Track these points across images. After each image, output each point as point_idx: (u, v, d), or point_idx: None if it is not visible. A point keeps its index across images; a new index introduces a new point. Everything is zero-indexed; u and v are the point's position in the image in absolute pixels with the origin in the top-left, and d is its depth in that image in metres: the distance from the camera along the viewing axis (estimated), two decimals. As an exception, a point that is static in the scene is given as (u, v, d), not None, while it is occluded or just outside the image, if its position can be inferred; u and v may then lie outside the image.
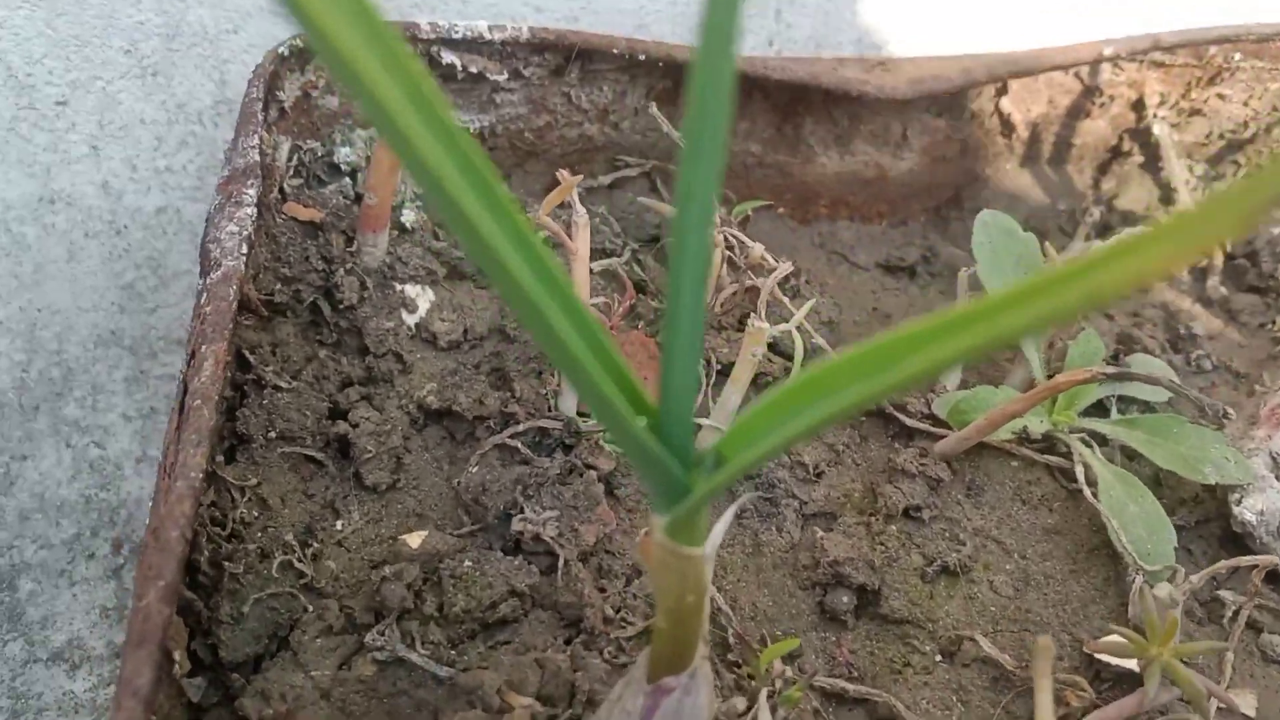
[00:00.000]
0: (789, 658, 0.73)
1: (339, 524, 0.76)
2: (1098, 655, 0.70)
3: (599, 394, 0.40)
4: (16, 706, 0.90)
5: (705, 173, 0.40)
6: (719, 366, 0.87)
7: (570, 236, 0.81)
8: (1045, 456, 0.84)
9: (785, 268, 0.79)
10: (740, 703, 0.62)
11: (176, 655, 0.58)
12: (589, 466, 0.78)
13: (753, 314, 0.77)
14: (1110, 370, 0.71)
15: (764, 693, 0.63)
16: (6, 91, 0.99)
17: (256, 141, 0.77)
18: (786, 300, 0.87)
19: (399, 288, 0.86)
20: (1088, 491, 0.80)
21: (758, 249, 0.85)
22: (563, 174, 0.79)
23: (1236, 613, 0.77)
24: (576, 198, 0.81)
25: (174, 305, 1.09)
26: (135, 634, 0.53)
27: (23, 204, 1.03)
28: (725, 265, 0.91)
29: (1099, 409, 0.90)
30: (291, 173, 0.86)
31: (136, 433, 1.04)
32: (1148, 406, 0.91)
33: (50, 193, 1.03)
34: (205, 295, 0.70)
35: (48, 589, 0.98)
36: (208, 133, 1.07)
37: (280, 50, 0.84)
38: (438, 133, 0.35)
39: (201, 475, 0.60)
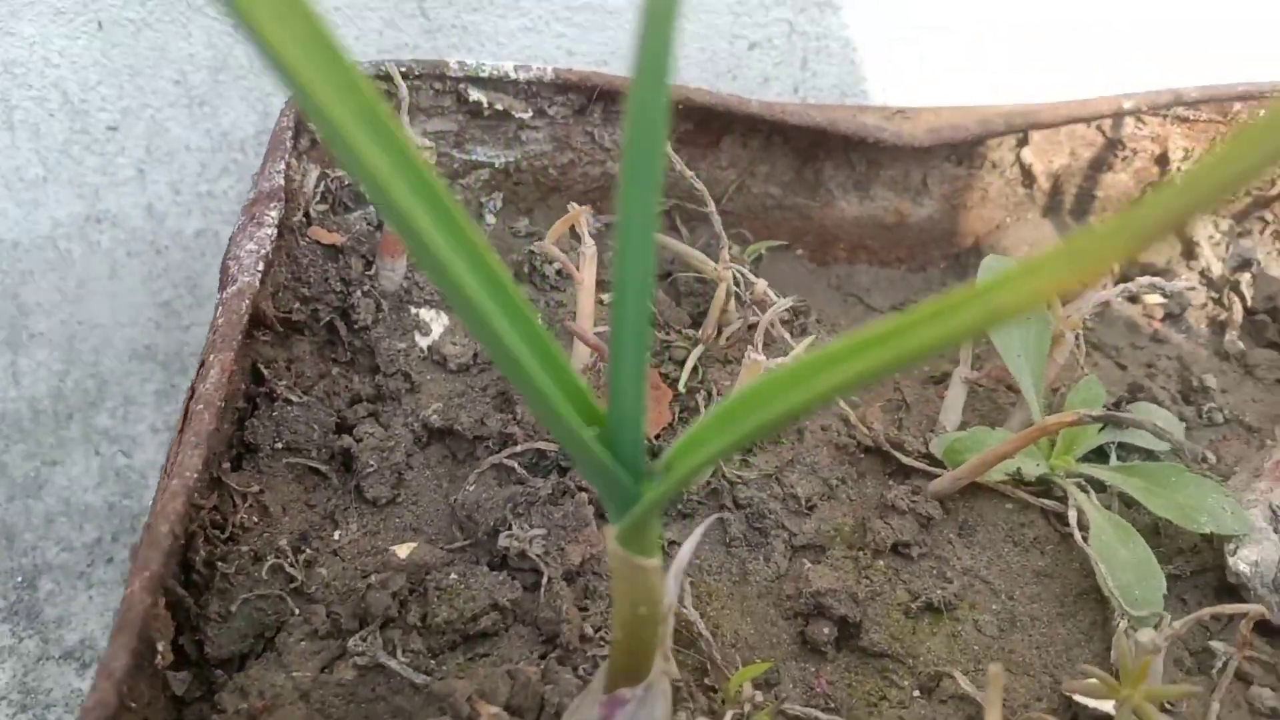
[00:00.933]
0: (766, 685, 0.74)
1: (336, 534, 0.78)
2: (1075, 697, 0.70)
3: (544, 401, 0.42)
4: (26, 701, 0.94)
5: (644, 183, 0.42)
6: (720, 398, 0.88)
7: (578, 267, 0.84)
8: (1040, 500, 0.84)
9: (786, 302, 0.81)
10: (704, 722, 0.63)
11: (160, 646, 0.61)
12: (581, 489, 0.80)
13: (750, 347, 0.79)
14: (1095, 413, 0.71)
15: (729, 715, 0.64)
16: (62, 116, 1.05)
17: (283, 167, 0.81)
18: (789, 337, 0.89)
19: (414, 311, 0.90)
20: (1078, 535, 0.80)
21: (761, 284, 0.87)
22: (572, 206, 0.82)
23: (1226, 664, 0.76)
24: (586, 229, 0.84)
25: (208, 324, 1.14)
26: (118, 620, 0.56)
27: (71, 222, 1.09)
28: (732, 300, 0.93)
29: (1100, 455, 0.90)
30: (318, 199, 0.90)
31: (163, 444, 1.08)
32: (1150, 455, 0.90)
33: (97, 212, 1.09)
34: (220, 309, 0.74)
35: (66, 590, 1.02)
36: (249, 161, 1.12)
37: (310, 82, 0.89)
38: (384, 144, 0.38)
39: (196, 475, 0.63)
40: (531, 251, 0.95)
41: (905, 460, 0.86)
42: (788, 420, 0.39)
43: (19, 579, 1.04)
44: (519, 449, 0.82)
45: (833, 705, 0.72)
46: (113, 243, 1.10)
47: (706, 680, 0.72)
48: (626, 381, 0.45)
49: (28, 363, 1.08)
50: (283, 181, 0.79)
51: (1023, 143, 1.13)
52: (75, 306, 1.09)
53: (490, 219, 1.00)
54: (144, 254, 1.10)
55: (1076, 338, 0.87)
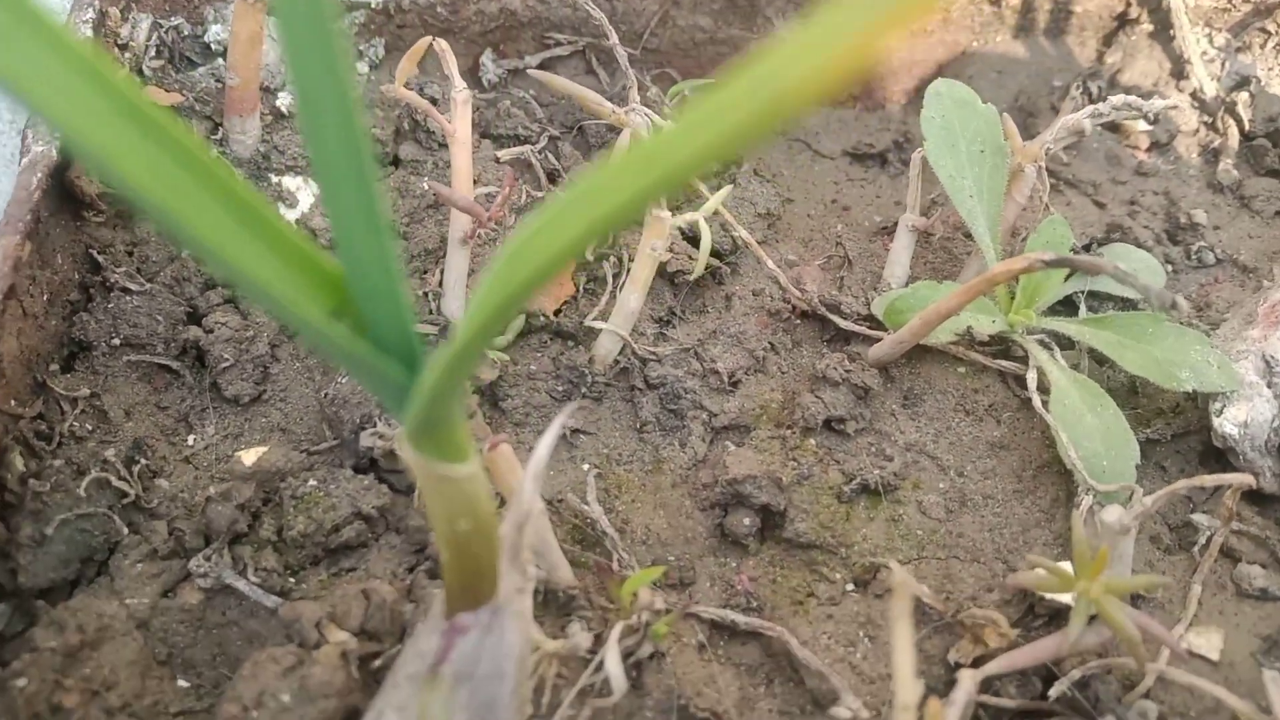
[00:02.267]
0: (681, 585, 0.65)
1: (190, 439, 0.69)
2: (1023, 589, 0.61)
3: (249, 276, 0.31)
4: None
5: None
6: (630, 269, 0.77)
7: (450, 118, 0.72)
8: (998, 362, 0.74)
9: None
10: (586, 639, 0.54)
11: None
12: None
13: (654, 205, 0.67)
14: (1049, 257, 0.60)
15: (618, 627, 0.55)
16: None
17: (91, 15, 0.69)
18: (703, 187, 0.77)
19: (275, 179, 0.78)
20: (1038, 400, 0.69)
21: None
22: (433, 40, 0.69)
23: (1209, 539, 0.67)
24: (455, 70, 0.71)
25: None
26: None
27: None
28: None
29: (1069, 308, 0.79)
30: (152, 53, 0.77)
31: None
32: (1129, 305, 0.80)
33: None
34: (14, 186, 0.62)
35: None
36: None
37: (127, -89, 0.75)
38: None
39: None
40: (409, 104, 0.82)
41: (843, 324, 0.75)
42: (563, 256, 0.28)
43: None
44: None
45: (754, 604, 0.64)
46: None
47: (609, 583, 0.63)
48: (356, 236, 0.33)
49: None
50: (90, 33, 0.67)
51: (989, -48, 0.98)
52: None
53: (364, 69, 0.87)
54: None
55: (1039, 171, 0.75)
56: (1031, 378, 0.71)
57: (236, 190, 0.31)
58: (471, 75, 0.94)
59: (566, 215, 0.28)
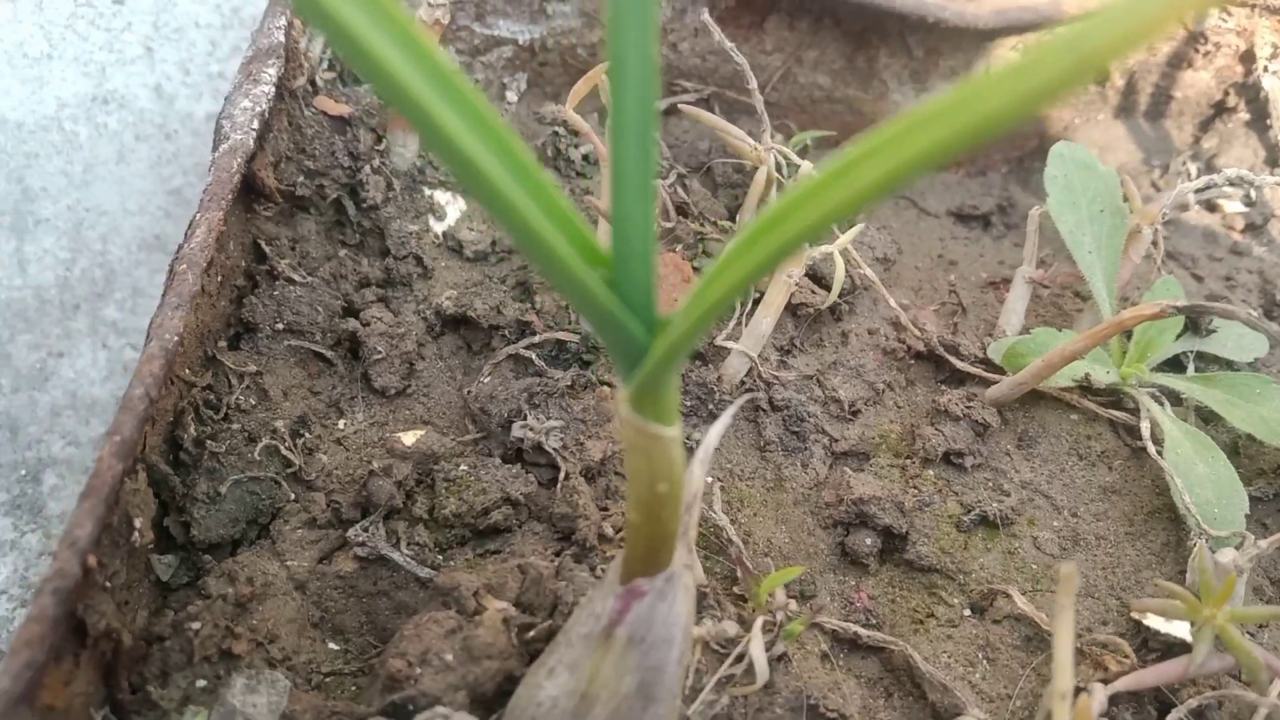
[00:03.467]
0: (801, 596, 0.67)
1: (341, 423, 0.73)
2: (1145, 621, 0.63)
3: (538, 239, 0.35)
4: (26, 596, 0.90)
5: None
6: (757, 295, 0.81)
7: (604, 143, 0.77)
8: (1109, 411, 0.77)
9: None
10: (732, 627, 0.57)
11: (138, 523, 0.55)
12: (604, 383, 0.73)
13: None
14: (1181, 304, 0.63)
15: (759, 621, 0.58)
16: (64, -15, 0.99)
17: (283, 23, 0.75)
18: (835, 228, 0.81)
19: (428, 193, 0.83)
20: (1152, 448, 0.72)
21: (806, 166, 0.79)
22: (604, 80, 0.74)
23: (1315, 593, 0.69)
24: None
25: (220, 215, 1.08)
26: (86, 487, 0.50)
27: (77, 103, 1.03)
28: (774, 189, 0.85)
29: (1175, 366, 0.82)
30: (325, 65, 0.83)
31: (171, 337, 1.03)
32: (1229, 366, 0.82)
33: (104, 93, 1.03)
34: (211, 168, 0.67)
35: (70, 485, 0.97)
36: (262, 41, 1.05)
37: (320, -63, 0.82)
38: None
39: (177, 338, 0.57)
40: (556, 133, 0.87)
41: (960, 365, 0.79)
42: (809, 234, 0.32)
43: (22, 472, 1.00)
44: (537, 339, 0.75)
45: (874, 621, 0.66)
46: (120, 125, 1.04)
47: (736, 589, 0.66)
48: (632, 214, 0.38)
49: (34, 249, 1.03)
50: (282, 38, 0.73)
51: (1098, 35, 1.03)
52: (82, 192, 1.04)
53: (512, 99, 0.93)
54: (153, 138, 1.04)
55: (1155, 233, 0.79)
56: (1145, 427, 0.73)
57: (529, 164, 0.36)
58: (603, 115, 0.99)
59: (816, 193, 0.32)
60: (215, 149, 0.68)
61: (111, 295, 1.04)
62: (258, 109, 0.69)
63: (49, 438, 1.00)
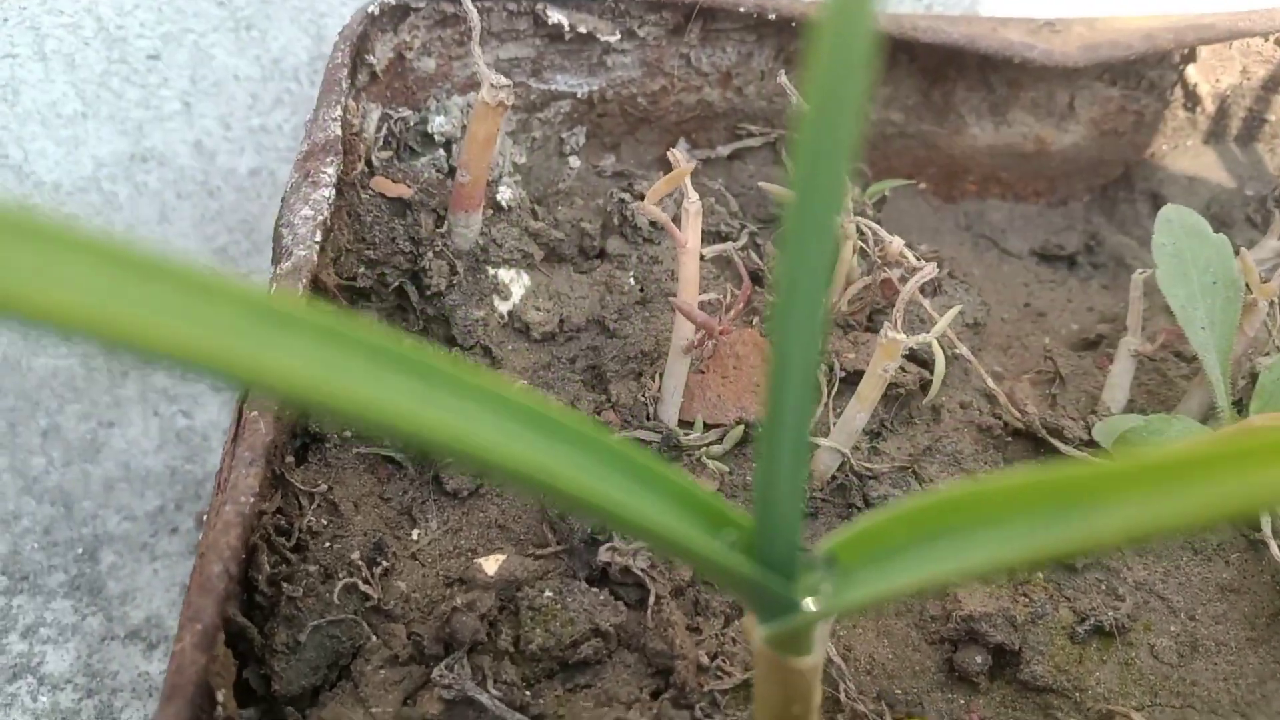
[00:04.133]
0: (908, 718, 0.64)
1: (415, 533, 0.69)
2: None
3: (649, 530, 0.31)
4: (92, 685, 0.88)
5: (828, 186, 0.30)
6: (843, 374, 0.77)
7: (680, 226, 0.72)
8: (1224, 498, 0.72)
9: (929, 270, 0.68)
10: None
11: (220, 696, 0.52)
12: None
13: (886, 323, 0.67)
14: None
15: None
16: (98, 44, 0.94)
17: (339, 114, 0.70)
18: (925, 301, 0.77)
19: (492, 272, 0.79)
20: (1273, 544, 0.68)
21: (897, 244, 0.74)
22: (674, 155, 0.69)
23: None
24: (689, 184, 0.71)
25: (267, 271, 1.05)
26: (167, 685, 0.47)
27: (114, 162, 0.99)
28: (856, 256, 0.80)
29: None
30: (381, 144, 0.79)
31: (225, 404, 1.00)
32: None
33: (142, 150, 0.99)
34: (274, 287, 0.63)
35: (129, 562, 0.95)
36: (304, 91, 1.00)
37: (370, 9, 0.77)
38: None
39: (252, 499, 0.54)
40: (622, 200, 0.83)
41: (1064, 449, 0.74)
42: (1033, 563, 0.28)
43: (79, 550, 0.97)
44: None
45: (986, 746, 0.62)
46: (161, 183, 1.00)
47: (839, 717, 0.62)
48: (784, 466, 0.34)
49: (78, 315, 1.00)
50: (339, 131, 0.68)
51: (1188, 59, 0.97)
52: (124, 254, 1.01)
53: (573, 159, 0.88)
54: (195, 195, 1.01)
55: (1271, 306, 0.73)
56: (1266, 523, 0.69)
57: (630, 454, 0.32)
58: (660, 163, 0.94)
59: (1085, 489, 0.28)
60: (276, 262, 0.65)
61: (161, 361, 1.01)
62: (319, 218, 0.64)
63: (104, 513, 0.98)
